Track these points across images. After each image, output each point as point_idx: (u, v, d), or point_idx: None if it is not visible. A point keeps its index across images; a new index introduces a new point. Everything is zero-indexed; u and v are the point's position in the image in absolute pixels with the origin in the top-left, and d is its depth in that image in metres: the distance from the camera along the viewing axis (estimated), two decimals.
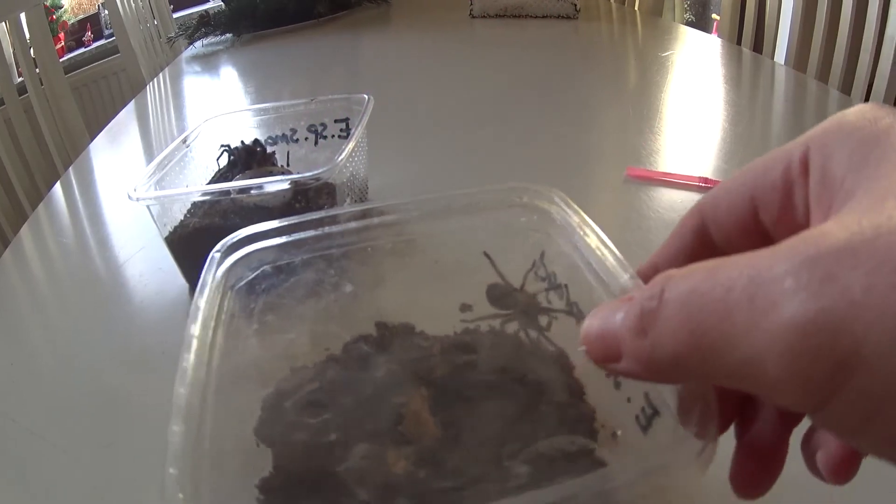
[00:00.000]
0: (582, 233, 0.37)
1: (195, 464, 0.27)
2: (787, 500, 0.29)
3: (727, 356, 0.19)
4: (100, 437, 0.51)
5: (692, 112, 1.07)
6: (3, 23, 1.49)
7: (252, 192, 0.59)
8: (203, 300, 0.35)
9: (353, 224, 0.40)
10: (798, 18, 1.38)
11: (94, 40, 2.86)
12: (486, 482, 0.31)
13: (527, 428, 0.33)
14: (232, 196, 0.60)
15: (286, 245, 0.40)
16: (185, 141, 0.72)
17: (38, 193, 1.39)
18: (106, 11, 2.71)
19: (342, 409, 0.35)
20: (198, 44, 1.82)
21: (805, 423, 0.25)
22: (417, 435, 0.33)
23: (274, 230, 0.40)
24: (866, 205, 0.20)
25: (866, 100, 1.19)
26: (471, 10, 1.76)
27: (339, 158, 0.60)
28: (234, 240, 0.40)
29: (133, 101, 1.43)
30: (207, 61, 1.71)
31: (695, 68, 1.30)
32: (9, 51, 1.59)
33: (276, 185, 0.59)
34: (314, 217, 0.40)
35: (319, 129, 0.78)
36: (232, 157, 0.74)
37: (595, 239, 0.36)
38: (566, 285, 0.38)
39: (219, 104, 1.40)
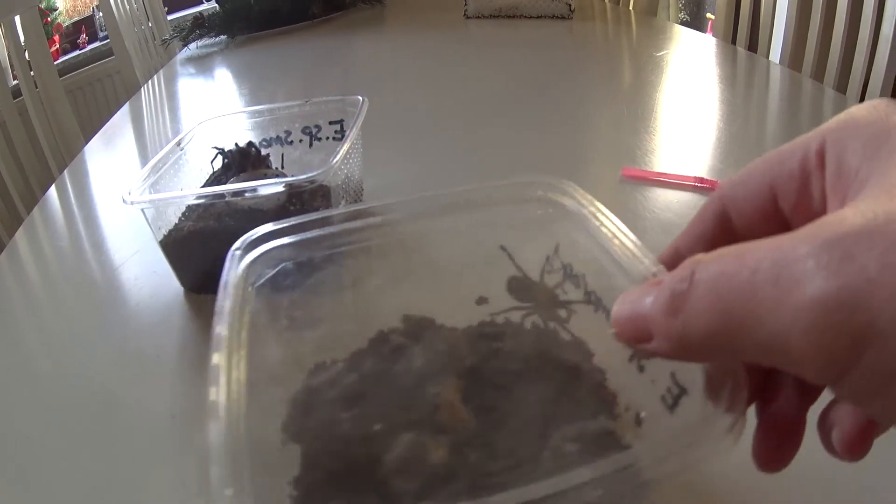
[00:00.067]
0: (598, 223, 0.38)
1: (235, 461, 0.27)
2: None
3: (755, 333, 0.20)
4: (96, 440, 0.51)
5: (687, 112, 1.07)
6: None
7: (246, 194, 0.59)
8: (227, 298, 0.35)
9: (371, 220, 0.41)
10: (793, 17, 1.38)
11: (89, 42, 2.86)
12: (533, 462, 0.31)
13: (562, 410, 0.34)
14: (226, 199, 0.60)
15: (306, 242, 0.40)
16: (179, 144, 0.71)
17: (34, 196, 1.39)
18: (100, 14, 2.71)
19: (382, 400, 0.36)
20: (192, 46, 1.82)
21: (819, 405, 0.26)
22: (452, 424, 0.34)
23: (292, 227, 0.40)
24: (879, 194, 0.21)
25: (861, 99, 1.19)
26: (465, 10, 1.76)
27: (334, 161, 0.60)
28: (253, 237, 0.40)
29: (128, 103, 1.43)
30: (202, 63, 1.71)
31: (690, 68, 1.31)
32: (3, 53, 1.59)
33: (270, 188, 0.59)
34: (333, 214, 0.41)
35: (314, 130, 0.78)
36: (226, 160, 0.74)
37: (612, 228, 0.37)
38: (584, 275, 0.39)
39: (213, 106, 1.40)
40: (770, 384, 0.28)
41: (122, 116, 1.35)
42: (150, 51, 2.17)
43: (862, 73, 1.21)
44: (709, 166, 0.85)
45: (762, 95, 1.15)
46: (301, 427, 0.35)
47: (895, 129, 0.23)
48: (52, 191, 1.02)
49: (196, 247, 0.63)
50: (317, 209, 0.63)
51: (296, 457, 0.34)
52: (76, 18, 2.83)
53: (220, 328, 0.33)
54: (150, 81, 1.61)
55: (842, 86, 1.26)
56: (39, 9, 1.81)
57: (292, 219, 0.40)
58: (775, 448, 0.27)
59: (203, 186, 0.72)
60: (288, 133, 0.78)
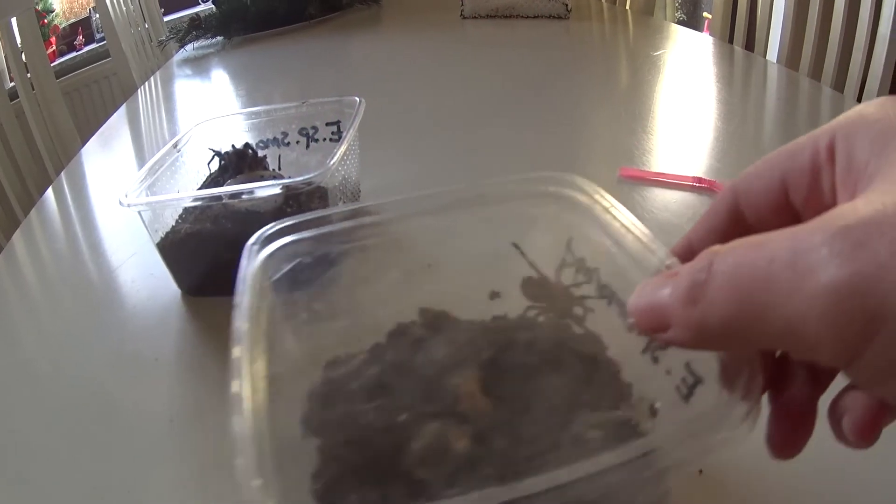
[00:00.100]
0: (610, 217, 0.38)
1: (260, 452, 0.27)
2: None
3: (772, 320, 0.21)
4: (95, 442, 0.51)
5: (685, 111, 1.07)
6: None
7: (243, 197, 0.59)
8: (245, 293, 0.36)
9: (384, 216, 0.42)
10: (790, 16, 1.38)
11: (86, 44, 2.85)
12: (555, 450, 0.32)
13: (579, 401, 0.35)
14: (223, 201, 0.60)
15: (321, 237, 0.41)
16: (175, 146, 0.71)
17: (31, 199, 1.39)
18: (97, 15, 2.70)
19: (403, 391, 0.36)
20: (189, 47, 1.82)
21: (830, 395, 0.27)
22: (474, 414, 0.34)
23: (308, 222, 0.41)
24: (888, 186, 0.23)
25: (859, 98, 1.19)
26: (462, 10, 1.76)
27: (331, 162, 0.60)
28: (269, 232, 0.41)
29: (124, 104, 1.43)
30: (198, 64, 1.71)
31: (687, 67, 1.31)
32: (0, 56, 1.59)
33: (267, 189, 0.59)
34: (347, 209, 0.41)
35: (311, 132, 0.77)
36: (223, 162, 0.74)
37: (624, 221, 0.37)
38: (597, 269, 0.40)
39: (210, 107, 1.40)
40: (782, 373, 0.28)
41: (118, 118, 1.35)
42: (147, 52, 2.16)
43: (859, 72, 1.21)
44: (706, 165, 0.85)
45: (759, 95, 1.15)
46: (321, 420, 0.36)
47: None
48: (50, 193, 1.01)
49: (193, 249, 0.63)
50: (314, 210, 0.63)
51: (316, 450, 0.34)
52: (73, 20, 2.82)
53: (240, 322, 0.33)
54: (146, 83, 1.61)
55: (839, 85, 1.26)
56: (36, 10, 1.81)
57: (308, 214, 0.41)
58: (788, 435, 0.28)
59: (200, 188, 0.72)
60: (285, 134, 0.78)
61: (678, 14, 3.18)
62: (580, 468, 0.24)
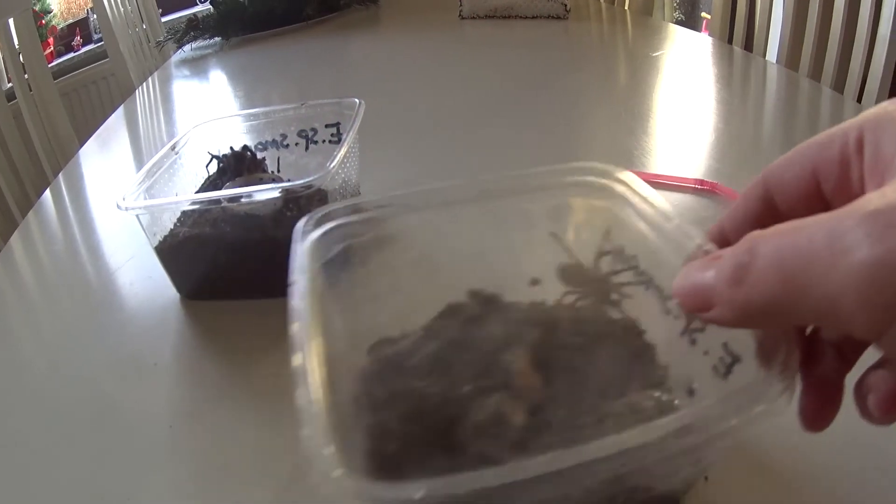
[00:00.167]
0: (647, 205, 0.40)
1: (324, 423, 0.28)
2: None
3: (812, 297, 0.23)
4: (93, 446, 0.51)
5: (684, 112, 1.06)
6: None
7: (242, 200, 0.58)
8: (299, 273, 0.38)
9: (426, 202, 0.44)
10: (790, 17, 1.38)
11: (84, 45, 2.85)
12: (605, 423, 0.34)
13: (620, 381, 0.37)
14: (222, 205, 0.60)
15: (368, 221, 0.43)
16: (173, 148, 0.71)
17: (28, 200, 1.39)
18: (94, 16, 2.70)
19: (458, 368, 0.38)
20: (187, 48, 1.82)
21: (855, 374, 0.29)
22: (527, 390, 0.36)
23: (354, 206, 0.43)
24: None
25: (859, 99, 1.19)
26: (460, 11, 1.75)
27: (331, 165, 0.59)
28: (319, 215, 0.42)
29: (122, 105, 1.42)
30: (196, 65, 1.70)
31: (686, 68, 1.30)
32: None
33: (266, 193, 0.58)
34: (393, 195, 0.43)
35: (310, 134, 0.77)
36: (221, 165, 0.73)
37: (661, 209, 0.39)
38: (635, 256, 0.41)
39: (208, 108, 1.39)
40: (812, 352, 0.30)
41: (116, 119, 1.35)
42: (145, 53, 2.16)
43: (859, 72, 1.21)
44: (706, 166, 0.85)
45: (759, 95, 1.15)
46: (379, 395, 0.37)
47: None
48: (47, 195, 1.01)
49: (192, 253, 0.63)
50: None
51: (374, 424, 0.36)
52: (71, 21, 2.82)
53: (296, 301, 0.35)
54: (144, 84, 1.60)
55: (839, 85, 1.26)
56: (34, 11, 1.80)
57: (355, 199, 0.43)
58: (819, 409, 0.30)
59: (198, 191, 0.72)
60: (284, 136, 0.77)
61: (676, 14, 3.17)
62: (634, 437, 0.26)
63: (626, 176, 0.43)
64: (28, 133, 1.50)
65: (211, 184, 0.73)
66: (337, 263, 0.41)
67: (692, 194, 0.76)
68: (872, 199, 0.23)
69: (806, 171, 0.31)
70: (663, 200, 0.40)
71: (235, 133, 0.78)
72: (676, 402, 0.36)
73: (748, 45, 1.52)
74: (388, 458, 0.34)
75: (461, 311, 0.42)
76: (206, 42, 1.83)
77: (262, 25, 1.83)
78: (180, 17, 2.56)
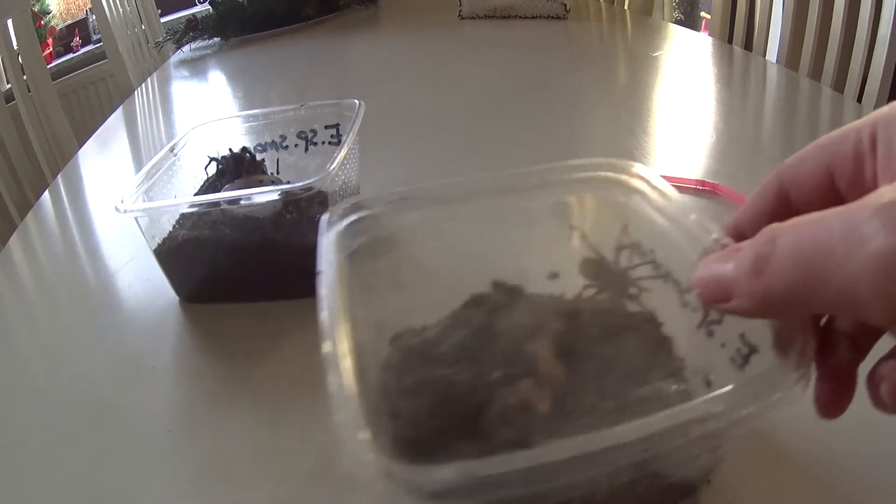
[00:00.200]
0: (664, 200, 0.42)
1: (357, 408, 0.29)
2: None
3: (830, 285, 0.24)
4: (91, 449, 0.51)
5: (684, 112, 1.06)
6: None
7: (242, 202, 0.58)
8: (326, 264, 0.38)
9: (449, 196, 0.45)
10: (790, 17, 1.38)
11: (83, 45, 2.85)
12: (637, 404, 0.36)
13: (638, 371, 0.38)
14: (222, 207, 0.59)
15: (390, 213, 0.44)
16: (172, 149, 0.70)
17: (27, 202, 1.38)
18: (93, 16, 2.70)
19: (483, 357, 0.39)
20: (186, 48, 1.81)
21: (867, 364, 0.30)
22: (550, 379, 0.37)
23: (377, 199, 0.44)
24: None
25: (859, 100, 1.19)
26: (460, 11, 1.75)
27: (331, 167, 0.59)
28: (345, 206, 0.43)
29: (121, 106, 1.42)
30: (195, 66, 1.70)
31: (686, 67, 1.30)
32: None
33: (266, 195, 0.58)
34: (417, 189, 0.44)
35: (309, 135, 0.77)
36: (220, 166, 0.73)
37: (678, 204, 0.41)
38: (653, 250, 0.43)
39: (207, 109, 1.39)
40: (827, 342, 0.31)
41: (115, 120, 1.34)
42: (144, 53, 2.16)
43: (860, 72, 1.21)
44: (706, 166, 0.85)
45: (759, 95, 1.15)
46: (405, 384, 0.38)
47: None
48: (46, 196, 1.01)
49: (191, 256, 0.63)
50: (314, 216, 0.62)
51: (401, 412, 0.37)
52: (69, 21, 2.82)
53: (325, 290, 0.36)
54: (143, 84, 1.60)
55: (839, 85, 1.26)
56: (33, 12, 1.80)
57: (380, 193, 0.44)
58: (833, 397, 0.31)
59: (197, 193, 0.72)
60: (283, 138, 0.77)
61: (675, 13, 3.17)
62: (661, 420, 0.27)
63: (643, 171, 0.44)
64: (27, 134, 1.50)
65: (210, 186, 0.72)
66: (361, 254, 0.42)
67: (693, 195, 0.75)
68: (886, 193, 0.24)
69: (821, 167, 0.32)
70: (681, 196, 0.41)
71: (234, 134, 0.77)
72: (692, 394, 0.37)
73: (748, 45, 1.52)
74: (416, 445, 0.35)
75: (486, 301, 0.43)
76: (205, 43, 1.82)
77: (262, 26, 1.83)
78: (179, 18, 2.56)
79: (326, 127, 0.76)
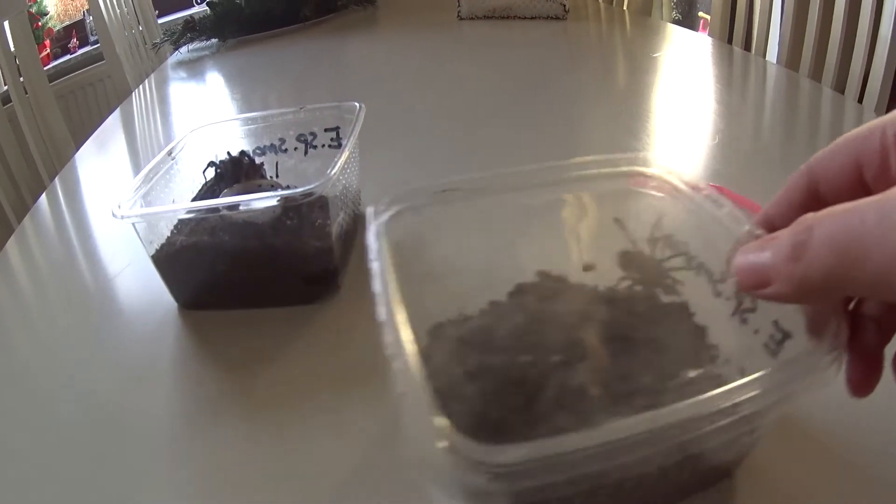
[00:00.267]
0: (695, 192, 0.43)
1: (430, 397, 0.30)
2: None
3: (865, 269, 0.26)
4: (89, 455, 0.50)
5: (684, 112, 1.06)
6: None
7: (241, 208, 0.58)
8: (376, 256, 0.40)
9: (487, 188, 0.46)
10: (790, 17, 1.37)
11: (80, 47, 2.84)
12: (683, 387, 0.37)
13: (677, 358, 0.40)
14: (221, 213, 0.59)
15: (433, 205, 0.45)
16: (170, 153, 0.70)
17: (24, 205, 1.38)
18: (91, 18, 2.69)
19: (534, 344, 0.40)
20: (183, 49, 1.81)
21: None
22: (599, 365, 0.39)
23: (420, 191, 0.45)
24: None
25: (860, 100, 1.19)
26: (458, 11, 1.74)
27: (332, 172, 0.58)
28: (388, 198, 0.45)
29: (119, 108, 1.41)
30: (193, 67, 1.69)
31: (686, 68, 1.29)
32: None
33: (265, 201, 0.57)
34: (461, 178, 0.46)
35: (309, 138, 0.76)
36: (218, 171, 0.72)
37: (710, 196, 0.42)
38: (686, 242, 0.44)
39: (205, 110, 1.39)
40: (855, 325, 0.33)
41: (113, 122, 1.34)
42: (141, 55, 2.15)
43: (860, 73, 1.20)
44: (706, 167, 0.84)
45: (759, 96, 1.14)
46: (466, 369, 0.39)
47: None
48: (43, 199, 1.00)
49: (189, 262, 0.62)
50: (314, 221, 0.61)
51: (465, 396, 0.38)
52: (67, 23, 2.81)
53: (377, 285, 0.37)
54: (141, 86, 1.59)
55: (840, 86, 1.25)
56: (30, 13, 1.80)
57: (422, 184, 0.45)
58: (863, 377, 0.33)
59: (195, 197, 0.71)
60: (282, 141, 0.76)
61: (673, 13, 3.17)
62: (714, 400, 0.28)
63: (673, 166, 0.46)
64: (24, 136, 1.49)
65: (208, 190, 0.72)
66: (402, 245, 0.43)
67: None
68: None
69: (849, 161, 0.33)
70: (712, 189, 0.42)
71: (233, 138, 0.77)
72: (727, 380, 0.39)
73: (748, 46, 1.52)
74: (480, 428, 0.36)
75: (534, 290, 0.45)
76: (203, 44, 1.82)
77: (259, 27, 1.82)
78: (177, 19, 2.55)
79: (326, 130, 0.76)
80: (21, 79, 1.51)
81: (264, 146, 0.76)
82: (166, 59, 1.85)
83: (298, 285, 0.62)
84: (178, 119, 1.35)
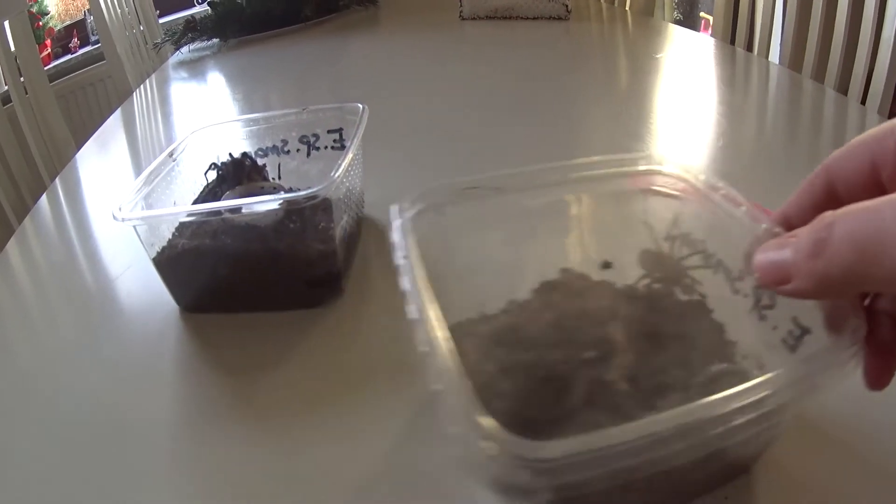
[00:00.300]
0: (712, 191, 0.44)
1: (469, 393, 0.30)
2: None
3: (884, 265, 0.27)
4: (90, 458, 0.50)
5: (686, 113, 1.05)
6: None
7: (243, 210, 0.57)
8: (402, 253, 0.40)
9: (508, 186, 0.46)
10: (793, 17, 1.37)
11: (81, 46, 2.84)
12: (709, 383, 0.38)
13: (697, 355, 0.40)
14: (223, 216, 0.58)
15: (455, 203, 0.46)
16: (171, 154, 0.69)
17: (25, 205, 1.37)
18: (92, 17, 2.69)
19: (561, 341, 0.41)
20: (184, 49, 1.80)
21: None
22: (624, 361, 0.39)
23: (442, 188, 0.46)
24: None
25: (863, 101, 1.18)
26: (460, 11, 1.74)
27: (336, 175, 0.58)
28: (413, 196, 0.45)
29: (120, 108, 1.41)
30: (194, 67, 1.69)
31: (688, 68, 1.29)
32: None
33: (268, 204, 0.57)
34: (484, 176, 0.46)
35: (312, 140, 0.76)
36: (220, 172, 0.72)
37: (728, 195, 0.43)
38: (704, 241, 0.45)
39: (206, 110, 1.38)
40: (871, 320, 0.33)
41: (114, 122, 1.34)
42: (142, 55, 2.15)
43: (863, 74, 1.20)
44: (709, 168, 0.84)
45: (762, 96, 1.14)
46: (503, 366, 0.40)
47: None
48: (44, 200, 1.00)
49: (191, 265, 0.61)
50: (318, 224, 0.61)
51: (502, 394, 0.38)
52: (68, 22, 2.81)
53: (405, 283, 0.38)
54: (142, 86, 1.59)
55: (843, 87, 1.25)
56: (30, 13, 1.79)
57: (459, 180, 0.46)
58: (880, 370, 0.33)
59: (197, 199, 0.70)
60: (285, 142, 0.76)
61: (675, 14, 3.17)
62: (743, 394, 0.29)
63: (689, 165, 0.46)
64: (24, 137, 1.49)
65: (210, 192, 0.71)
66: (427, 243, 0.43)
67: None
68: None
69: (865, 161, 0.34)
70: (729, 187, 0.43)
71: (235, 139, 0.76)
72: (747, 375, 0.39)
73: (750, 46, 1.51)
74: (518, 424, 0.36)
75: (561, 287, 0.46)
76: (204, 44, 1.81)
77: (261, 27, 1.82)
78: (178, 19, 2.55)
79: (329, 131, 0.75)
80: (21, 79, 1.50)
81: (266, 148, 0.76)
82: (167, 59, 1.84)
83: (301, 289, 0.62)
84: (180, 119, 1.35)
